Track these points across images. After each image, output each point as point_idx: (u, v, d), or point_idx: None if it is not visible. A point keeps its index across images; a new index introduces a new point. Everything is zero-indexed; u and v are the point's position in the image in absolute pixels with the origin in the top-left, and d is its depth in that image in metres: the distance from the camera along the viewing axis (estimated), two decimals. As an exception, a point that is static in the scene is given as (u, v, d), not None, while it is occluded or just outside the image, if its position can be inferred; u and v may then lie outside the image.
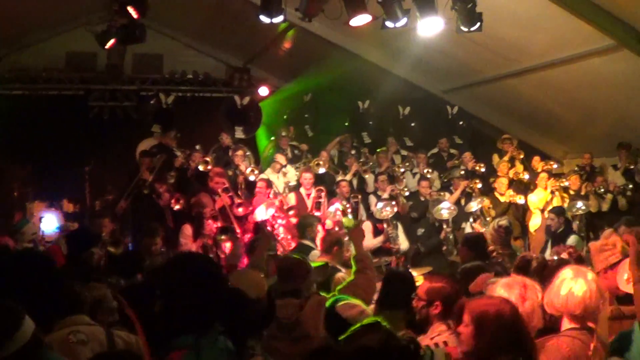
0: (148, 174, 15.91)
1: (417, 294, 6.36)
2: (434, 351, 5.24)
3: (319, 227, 12.99)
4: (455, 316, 5.03)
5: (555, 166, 18.44)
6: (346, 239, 13.06)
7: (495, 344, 4.65)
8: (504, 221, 11.38)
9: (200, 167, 16.15)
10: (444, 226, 15.49)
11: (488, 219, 15.41)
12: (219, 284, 4.66)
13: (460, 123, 20.12)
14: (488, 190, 17.30)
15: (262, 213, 14.56)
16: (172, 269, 4.67)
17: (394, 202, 15.25)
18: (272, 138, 19.40)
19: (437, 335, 5.86)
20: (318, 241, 11.67)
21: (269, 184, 15.90)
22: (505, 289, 5.61)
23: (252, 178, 16.31)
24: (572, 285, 5.45)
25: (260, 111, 19.88)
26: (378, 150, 18.81)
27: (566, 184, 16.99)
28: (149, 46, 17.69)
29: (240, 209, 15.10)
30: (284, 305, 6.75)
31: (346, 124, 20.56)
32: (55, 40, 19.41)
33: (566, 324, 5.51)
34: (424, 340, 5.79)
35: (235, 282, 5.50)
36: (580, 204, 15.87)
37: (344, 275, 8.85)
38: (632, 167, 17.29)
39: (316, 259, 10.13)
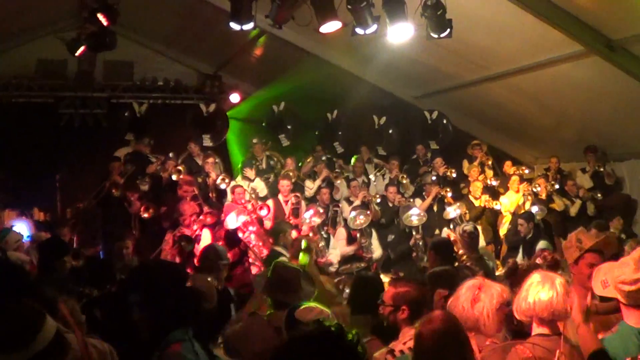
0: (119, 177, 15.89)
1: (383, 300, 6.39)
2: (408, 356, 5.42)
3: (293, 233, 13.09)
4: None
5: (527, 171, 18.53)
6: (321, 244, 13.20)
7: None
8: (468, 226, 11.49)
9: (174, 177, 16.07)
10: (414, 233, 15.55)
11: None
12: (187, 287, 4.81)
13: (445, 122, 20.06)
14: (459, 196, 17.38)
15: (232, 221, 14.53)
16: (150, 276, 4.78)
17: (368, 212, 15.29)
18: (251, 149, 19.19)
19: (409, 340, 5.72)
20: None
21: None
22: (465, 289, 5.69)
23: (223, 186, 16.31)
24: (539, 289, 5.46)
25: (227, 118, 19.70)
26: (355, 156, 18.81)
27: (538, 189, 17.10)
28: (120, 53, 17.58)
29: (209, 219, 15.04)
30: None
31: (316, 132, 20.50)
32: (25, 47, 19.24)
33: (535, 329, 5.52)
34: (397, 346, 5.84)
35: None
36: (535, 208, 16.01)
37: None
38: (601, 169, 17.44)
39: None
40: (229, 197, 16.26)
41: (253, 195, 15.89)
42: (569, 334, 5.48)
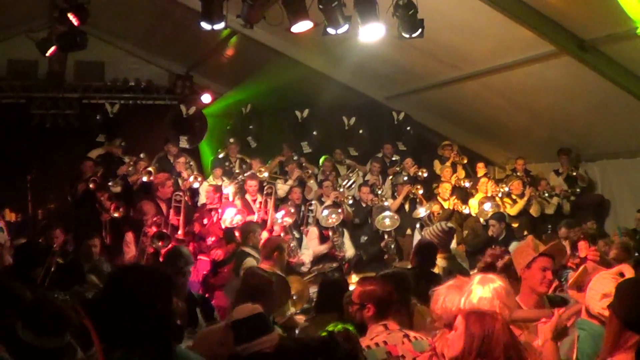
0: (93, 177, 15.80)
1: (351, 298, 6.53)
2: (374, 350, 5.67)
3: (264, 234, 13.14)
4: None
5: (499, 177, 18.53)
6: (293, 244, 13.22)
7: (482, 349, 4.49)
8: (450, 223, 11.43)
9: (144, 178, 15.96)
10: (385, 235, 15.57)
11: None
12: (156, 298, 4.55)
13: (408, 128, 20.13)
14: (430, 196, 17.39)
15: (229, 219, 14.61)
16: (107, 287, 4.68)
17: (339, 210, 15.30)
18: (219, 150, 19.11)
19: (375, 336, 5.99)
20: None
21: (217, 189, 15.85)
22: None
23: (196, 185, 16.33)
24: (472, 294, 5.34)
25: (206, 122, 19.65)
26: (325, 157, 18.76)
27: (506, 189, 17.15)
28: (91, 53, 17.59)
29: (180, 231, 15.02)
30: None
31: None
32: (-5, 47, 19.15)
33: None
34: (364, 342, 5.88)
35: None
36: (488, 205, 16.05)
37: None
38: (574, 173, 17.51)
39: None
40: (202, 197, 16.26)
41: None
42: (526, 336, 5.51)
